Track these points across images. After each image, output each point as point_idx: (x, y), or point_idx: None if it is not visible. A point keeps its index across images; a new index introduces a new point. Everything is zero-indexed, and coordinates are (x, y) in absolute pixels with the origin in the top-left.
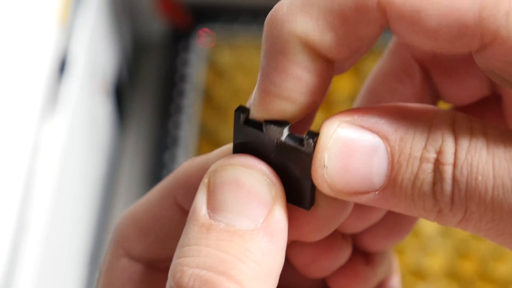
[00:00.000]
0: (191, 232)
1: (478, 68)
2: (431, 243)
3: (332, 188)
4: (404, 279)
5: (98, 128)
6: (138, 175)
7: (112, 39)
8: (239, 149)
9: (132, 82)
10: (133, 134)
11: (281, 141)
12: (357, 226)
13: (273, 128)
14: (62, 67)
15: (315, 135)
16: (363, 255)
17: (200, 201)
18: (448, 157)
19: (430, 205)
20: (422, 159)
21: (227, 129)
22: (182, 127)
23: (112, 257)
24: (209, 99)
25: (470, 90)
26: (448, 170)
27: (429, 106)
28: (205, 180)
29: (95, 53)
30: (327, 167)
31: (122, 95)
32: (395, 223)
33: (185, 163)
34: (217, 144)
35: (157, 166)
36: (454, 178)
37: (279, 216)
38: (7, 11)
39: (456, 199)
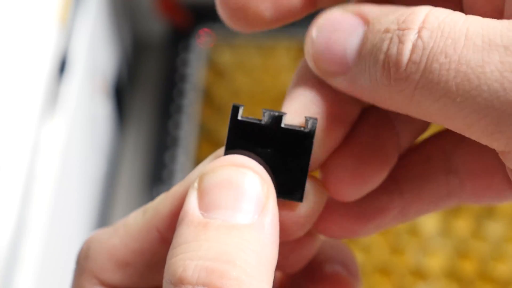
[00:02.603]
0: (187, 232)
1: None
2: (431, 243)
3: (315, 60)
4: (404, 279)
5: (98, 128)
6: (138, 175)
7: (112, 39)
8: (232, 146)
9: (132, 82)
10: (133, 134)
11: (281, 127)
12: None
13: (273, 115)
14: (62, 67)
15: (315, 118)
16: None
17: (192, 204)
18: (413, 23)
19: (382, 71)
20: (385, 30)
21: (227, 129)
22: (182, 127)
23: (83, 285)
24: (209, 99)
25: None
26: (408, 33)
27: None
28: (194, 184)
29: (95, 53)
30: (313, 39)
31: (122, 95)
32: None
33: (161, 195)
34: (217, 144)
35: (157, 166)
36: (418, 39)
37: (272, 212)
38: (7, 11)
39: (413, 60)
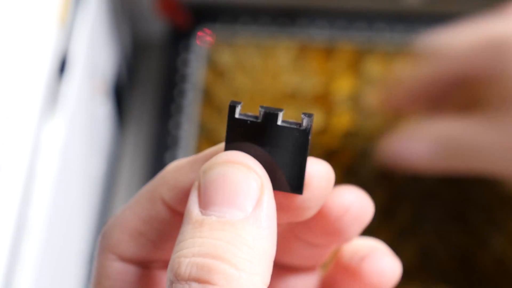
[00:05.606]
0: (186, 230)
1: None
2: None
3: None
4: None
5: (98, 128)
6: (138, 175)
7: (112, 39)
8: (231, 143)
9: (132, 82)
10: (133, 134)
11: (277, 125)
12: None
13: (269, 112)
14: (62, 67)
15: (311, 114)
16: None
17: (193, 203)
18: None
19: None
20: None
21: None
22: (182, 127)
23: (104, 263)
24: (209, 99)
25: None
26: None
27: None
28: (196, 182)
29: (95, 53)
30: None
31: (122, 95)
32: None
33: (170, 165)
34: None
35: (157, 166)
36: None
37: (267, 205)
38: (6, 11)
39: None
